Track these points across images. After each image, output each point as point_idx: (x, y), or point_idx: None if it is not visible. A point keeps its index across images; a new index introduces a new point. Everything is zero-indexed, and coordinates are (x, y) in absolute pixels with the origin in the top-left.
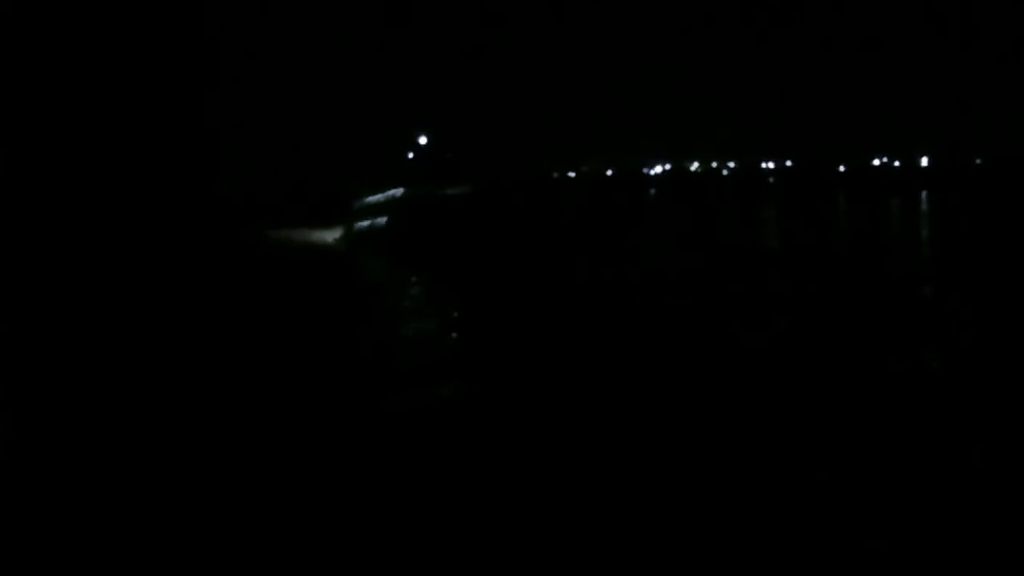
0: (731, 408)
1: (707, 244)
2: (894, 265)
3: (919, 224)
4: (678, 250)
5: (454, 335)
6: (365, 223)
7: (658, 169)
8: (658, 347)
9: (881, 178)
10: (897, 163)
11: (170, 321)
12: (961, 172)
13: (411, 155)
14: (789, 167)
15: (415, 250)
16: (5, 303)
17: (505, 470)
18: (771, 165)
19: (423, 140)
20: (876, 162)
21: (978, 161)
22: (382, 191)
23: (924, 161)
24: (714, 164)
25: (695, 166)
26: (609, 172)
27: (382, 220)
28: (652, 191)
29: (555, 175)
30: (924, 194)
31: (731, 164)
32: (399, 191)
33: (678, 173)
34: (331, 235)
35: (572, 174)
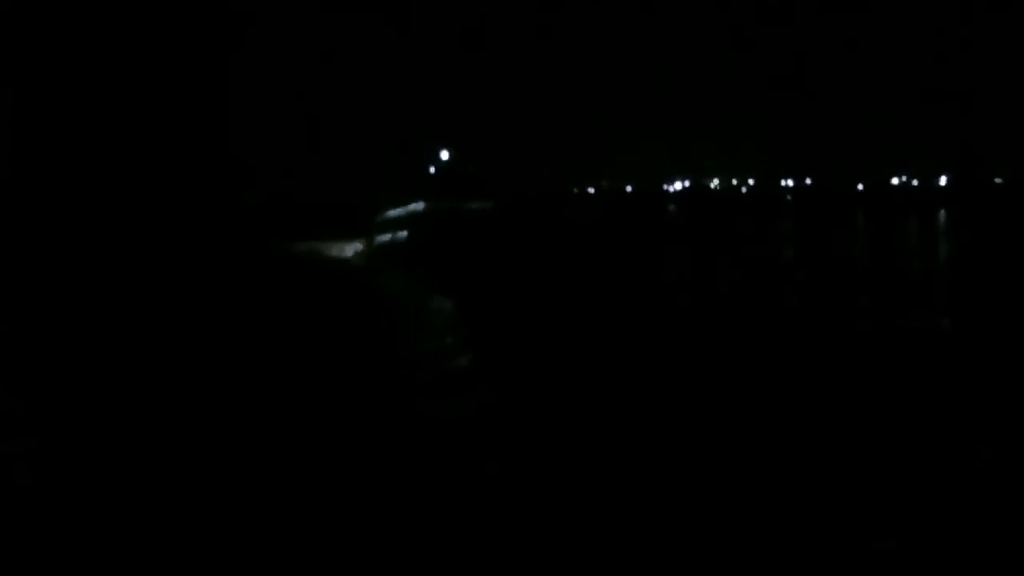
0: (733, 422)
1: (723, 260)
2: (902, 283)
3: (934, 243)
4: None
5: (475, 348)
6: (386, 237)
7: (678, 186)
8: (669, 360)
9: (900, 197)
10: (916, 182)
11: (192, 331)
12: (981, 191)
13: (432, 169)
14: (808, 185)
15: (436, 265)
16: (26, 306)
17: (521, 475)
18: (790, 183)
19: (445, 155)
20: (895, 181)
21: (998, 180)
22: (403, 205)
23: (943, 180)
24: (734, 181)
25: (715, 183)
26: (629, 188)
27: (403, 234)
28: (672, 207)
29: (575, 190)
30: (942, 213)
31: (750, 182)
32: (420, 205)
33: (698, 190)
34: (352, 249)
35: (591, 190)
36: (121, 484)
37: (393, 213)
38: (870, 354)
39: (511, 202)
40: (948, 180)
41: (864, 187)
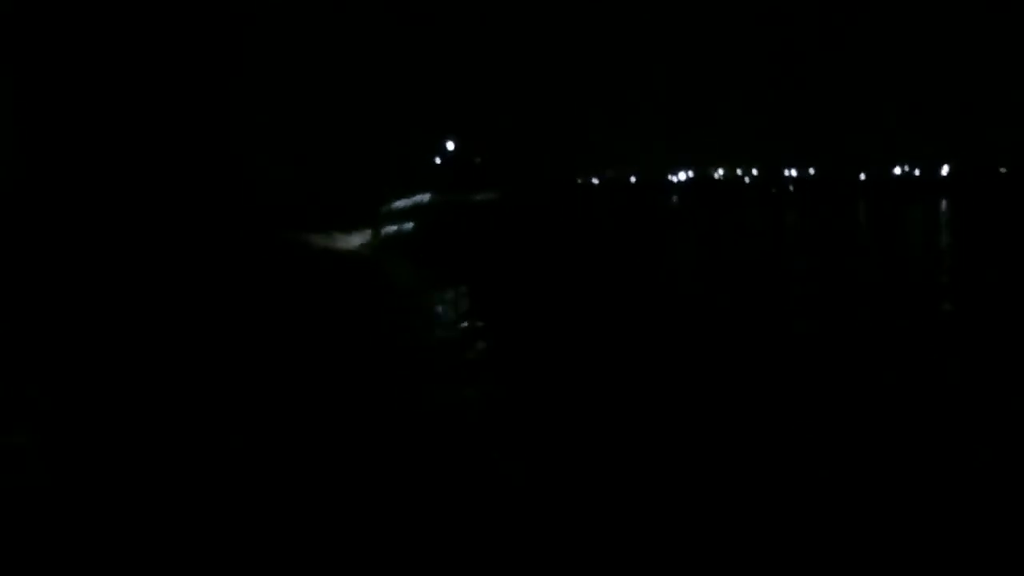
0: (738, 414)
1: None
2: (896, 270)
3: (934, 232)
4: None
5: (482, 338)
6: (392, 228)
7: (682, 176)
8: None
9: (902, 186)
10: (917, 171)
11: (200, 323)
12: (985, 181)
13: (439, 160)
14: (812, 175)
15: (443, 256)
16: (33, 303)
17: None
18: (794, 173)
19: (451, 146)
20: (897, 170)
21: (1003, 170)
22: (409, 196)
23: (945, 170)
24: (739, 171)
25: (719, 173)
26: (633, 178)
27: (409, 225)
28: (675, 198)
29: (579, 181)
30: (944, 203)
31: (754, 171)
32: (426, 196)
33: (702, 180)
34: (358, 240)
35: (596, 180)
36: (129, 477)
37: (399, 204)
38: (871, 344)
39: (516, 193)
40: (950, 170)
41: (866, 177)
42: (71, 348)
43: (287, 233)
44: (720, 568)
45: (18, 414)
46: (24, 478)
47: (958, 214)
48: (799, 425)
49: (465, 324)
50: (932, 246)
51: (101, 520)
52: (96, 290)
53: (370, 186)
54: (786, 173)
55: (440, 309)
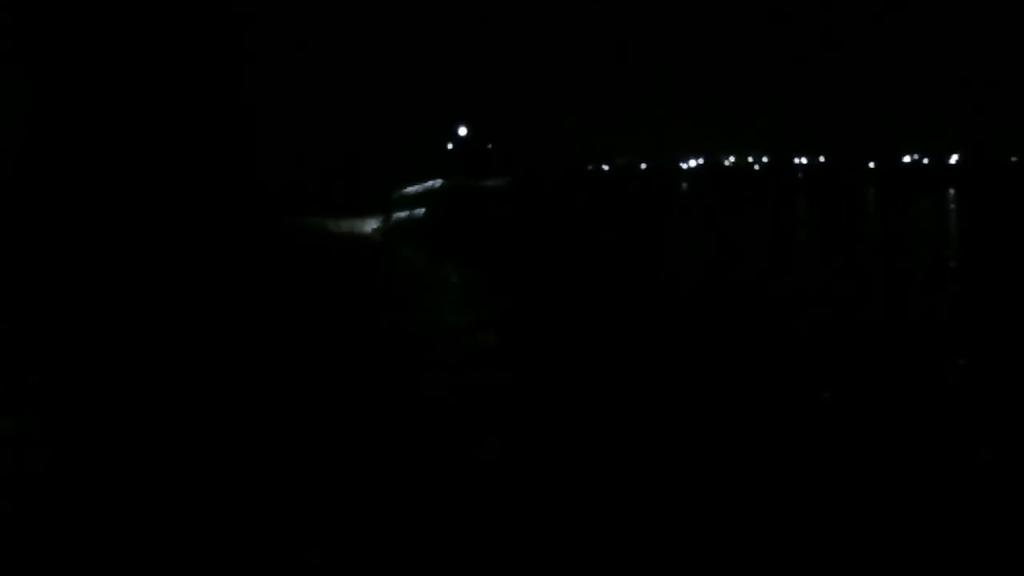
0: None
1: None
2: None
3: (941, 220)
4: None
5: (491, 325)
6: (403, 214)
7: (692, 163)
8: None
9: (911, 175)
10: (927, 160)
11: (207, 307)
12: (995, 170)
13: (450, 146)
14: (822, 163)
15: (454, 242)
16: (37, 294)
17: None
18: (804, 161)
19: (463, 131)
20: (907, 159)
21: (1014, 159)
22: (421, 182)
23: (954, 159)
24: (750, 159)
25: (730, 160)
26: (644, 165)
27: (420, 211)
28: (684, 184)
29: (590, 167)
30: (951, 191)
31: (764, 159)
32: (438, 182)
33: (712, 167)
34: (369, 225)
35: (606, 167)
36: (129, 464)
37: (411, 189)
38: (881, 336)
39: (526, 179)
40: (959, 159)
41: (875, 165)
42: (75, 338)
43: (298, 218)
44: (720, 568)
45: (20, 400)
46: (26, 464)
47: (967, 202)
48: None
49: (476, 311)
50: (938, 233)
51: (100, 508)
52: (102, 280)
53: (381, 171)
54: (796, 161)
55: (450, 295)
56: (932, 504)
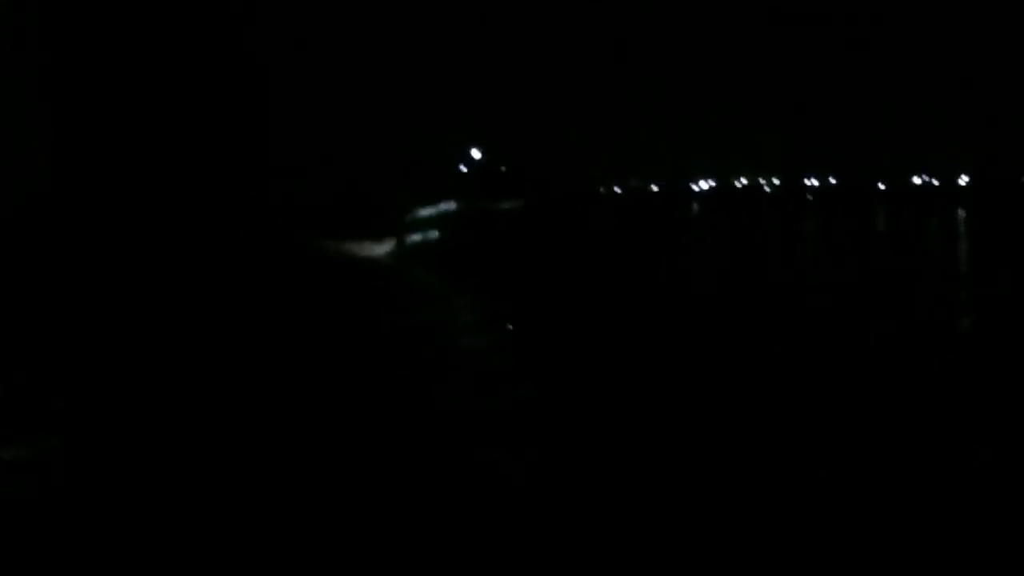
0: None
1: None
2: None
3: (954, 241)
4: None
5: (504, 348)
6: (417, 237)
7: (704, 185)
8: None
9: (921, 196)
10: (936, 181)
11: (220, 328)
12: (1005, 190)
13: (464, 168)
14: (831, 184)
15: (467, 265)
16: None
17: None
18: (814, 182)
19: (476, 154)
20: (917, 180)
21: None
22: (434, 204)
23: (963, 180)
24: (761, 181)
25: (741, 182)
26: (655, 187)
27: (434, 234)
28: (695, 206)
29: (602, 190)
30: (960, 212)
31: (775, 180)
32: (451, 205)
33: (724, 189)
34: (381, 248)
35: (618, 189)
36: (147, 480)
37: (424, 212)
38: (887, 354)
39: (539, 202)
40: (969, 180)
41: (885, 186)
42: (95, 352)
43: (311, 240)
44: (719, 568)
45: (44, 421)
46: (50, 483)
47: (976, 224)
48: (799, 435)
49: (491, 333)
50: (947, 255)
51: (120, 522)
52: (121, 294)
53: (394, 194)
54: (807, 183)
55: (463, 318)
56: None
